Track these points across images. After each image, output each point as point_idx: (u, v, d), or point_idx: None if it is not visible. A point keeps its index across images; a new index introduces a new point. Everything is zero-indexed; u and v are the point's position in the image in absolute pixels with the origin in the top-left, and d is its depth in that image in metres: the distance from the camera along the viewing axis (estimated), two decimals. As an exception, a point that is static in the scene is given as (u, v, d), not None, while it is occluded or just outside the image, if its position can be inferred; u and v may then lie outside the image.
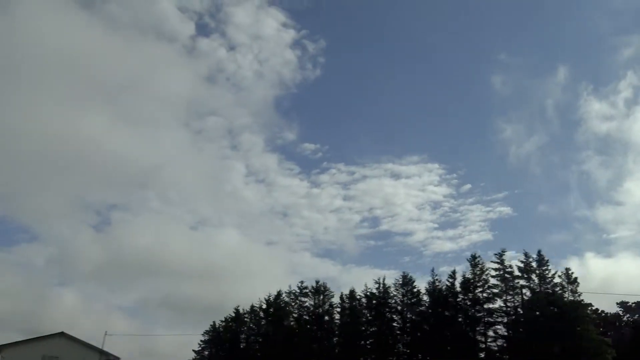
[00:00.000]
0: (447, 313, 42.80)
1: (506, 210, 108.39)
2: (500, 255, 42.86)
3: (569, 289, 39.65)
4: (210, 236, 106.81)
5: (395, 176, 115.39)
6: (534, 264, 41.35)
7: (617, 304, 55.26)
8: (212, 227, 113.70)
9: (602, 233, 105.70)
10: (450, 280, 44.54)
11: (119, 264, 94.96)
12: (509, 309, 41.59)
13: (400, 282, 46.82)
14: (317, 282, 51.38)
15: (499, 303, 42.08)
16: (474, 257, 43.89)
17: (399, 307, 46.27)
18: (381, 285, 47.48)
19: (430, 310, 44.02)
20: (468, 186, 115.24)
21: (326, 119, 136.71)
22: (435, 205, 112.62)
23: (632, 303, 55.12)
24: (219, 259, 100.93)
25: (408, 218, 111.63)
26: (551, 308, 38.65)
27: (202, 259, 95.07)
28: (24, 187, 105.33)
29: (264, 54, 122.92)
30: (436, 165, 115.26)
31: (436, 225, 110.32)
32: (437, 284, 45.15)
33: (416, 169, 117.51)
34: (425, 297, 45.58)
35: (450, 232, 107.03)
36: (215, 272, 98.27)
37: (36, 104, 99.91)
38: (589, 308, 44.45)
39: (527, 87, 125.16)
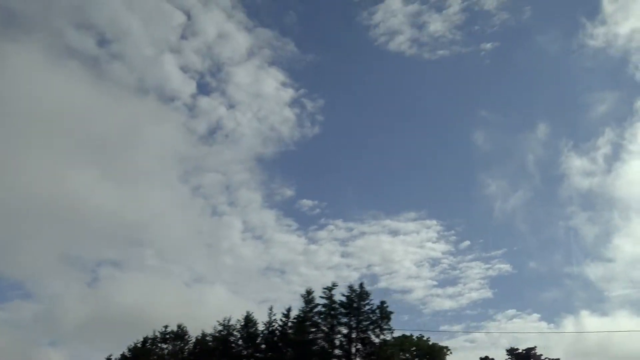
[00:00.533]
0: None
1: (505, 267, 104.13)
2: (329, 290, 41.17)
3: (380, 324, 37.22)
4: (202, 294, 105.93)
5: (393, 233, 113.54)
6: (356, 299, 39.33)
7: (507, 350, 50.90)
8: (206, 284, 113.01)
9: (596, 291, 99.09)
10: (284, 319, 42.77)
11: (108, 320, 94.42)
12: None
13: (243, 324, 45.22)
14: (178, 325, 50.25)
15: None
16: (308, 292, 42.29)
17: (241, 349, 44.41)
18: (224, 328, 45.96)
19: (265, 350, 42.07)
20: (467, 243, 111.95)
21: (324, 176, 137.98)
22: (434, 262, 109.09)
23: (523, 350, 50.70)
24: (207, 317, 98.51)
25: (407, 275, 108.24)
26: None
27: (192, 317, 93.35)
28: (13, 242, 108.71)
29: (263, 112, 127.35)
30: (434, 222, 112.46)
31: (435, 283, 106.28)
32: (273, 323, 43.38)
33: (414, 226, 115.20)
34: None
35: (450, 290, 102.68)
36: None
37: (30, 158, 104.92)
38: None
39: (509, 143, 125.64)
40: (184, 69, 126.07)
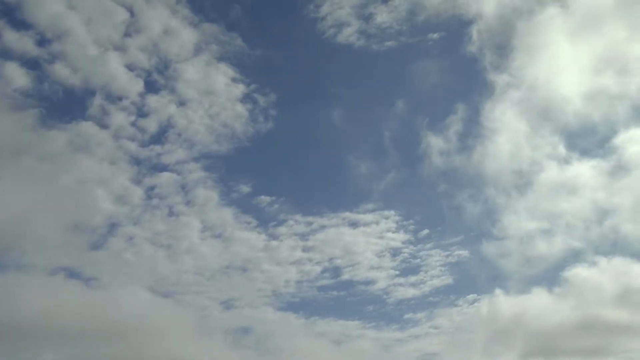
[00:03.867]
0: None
1: (464, 253, 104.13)
2: None
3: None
4: (170, 298, 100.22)
5: (353, 224, 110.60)
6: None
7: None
8: (170, 286, 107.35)
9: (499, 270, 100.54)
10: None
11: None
12: None
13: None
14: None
15: None
16: None
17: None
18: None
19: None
20: (426, 231, 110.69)
21: (280, 171, 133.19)
22: (395, 252, 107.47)
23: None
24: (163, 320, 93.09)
25: (369, 266, 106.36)
26: None
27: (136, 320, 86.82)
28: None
29: (214, 109, 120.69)
30: (392, 212, 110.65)
31: (397, 272, 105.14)
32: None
33: (373, 217, 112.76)
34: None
35: (412, 278, 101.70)
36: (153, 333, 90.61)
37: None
38: None
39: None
40: (130, 67, 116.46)
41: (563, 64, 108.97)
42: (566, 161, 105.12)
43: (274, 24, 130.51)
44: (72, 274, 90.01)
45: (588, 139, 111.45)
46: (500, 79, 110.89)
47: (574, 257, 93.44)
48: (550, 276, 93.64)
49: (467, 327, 60.54)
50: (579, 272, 76.69)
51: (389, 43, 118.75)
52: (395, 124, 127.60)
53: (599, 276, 77.59)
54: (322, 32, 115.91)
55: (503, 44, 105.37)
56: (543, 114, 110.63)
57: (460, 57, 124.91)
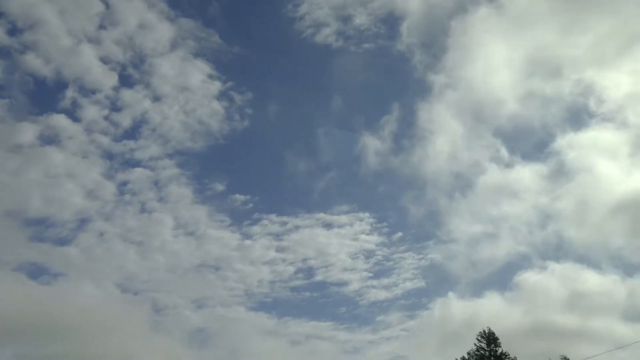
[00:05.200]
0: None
1: (437, 257, 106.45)
2: None
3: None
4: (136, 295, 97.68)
5: (328, 226, 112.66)
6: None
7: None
8: (141, 283, 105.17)
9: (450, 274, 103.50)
10: None
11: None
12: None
13: None
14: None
15: None
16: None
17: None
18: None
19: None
20: (399, 234, 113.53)
21: (256, 170, 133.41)
22: (369, 254, 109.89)
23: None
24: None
25: (342, 268, 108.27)
26: None
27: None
28: None
29: (190, 105, 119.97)
30: (367, 214, 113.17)
31: (370, 274, 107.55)
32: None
33: (347, 219, 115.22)
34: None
35: (385, 281, 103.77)
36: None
37: None
38: None
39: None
40: (105, 60, 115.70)
41: (498, 65, 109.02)
42: (507, 164, 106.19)
43: (252, 22, 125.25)
44: (39, 269, 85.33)
45: (527, 142, 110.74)
46: (436, 79, 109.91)
47: (522, 261, 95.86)
48: (500, 280, 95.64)
49: (430, 330, 61.76)
50: (528, 277, 79.73)
51: (366, 45, 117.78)
52: (366, 121, 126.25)
53: (549, 281, 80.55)
54: (301, 31, 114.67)
55: (436, 42, 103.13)
56: (480, 116, 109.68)
57: (394, 56, 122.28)
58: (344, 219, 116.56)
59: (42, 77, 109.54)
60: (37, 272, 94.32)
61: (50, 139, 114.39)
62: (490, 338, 38.84)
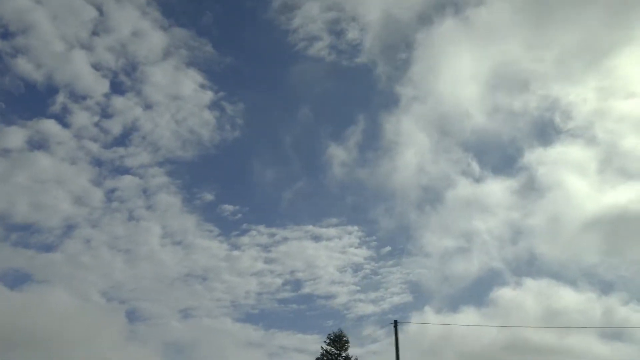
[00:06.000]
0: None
1: (411, 271, 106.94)
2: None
3: None
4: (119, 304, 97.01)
5: (316, 238, 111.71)
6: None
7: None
8: (128, 292, 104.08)
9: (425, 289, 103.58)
10: None
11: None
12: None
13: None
14: None
15: None
16: None
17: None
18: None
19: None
20: (388, 248, 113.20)
21: (245, 181, 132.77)
22: (357, 268, 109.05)
23: None
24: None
25: (330, 281, 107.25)
26: None
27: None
28: None
29: (181, 114, 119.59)
30: (355, 228, 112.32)
31: (358, 288, 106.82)
32: None
33: (336, 232, 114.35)
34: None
35: (372, 295, 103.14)
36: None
37: None
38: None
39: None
40: (96, 67, 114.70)
41: (464, 78, 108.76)
42: (477, 179, 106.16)
43: (245, 33, 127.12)
44: (23, 276, 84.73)
45: (496, 156, 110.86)
46: (404, 91, 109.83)
47: (497, 277, 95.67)
48: (476, 296, 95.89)
49: (408, 345, 61.33)
50: (504, 293, 79.40)
51: (358, 60, 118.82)
52: (356, 134, 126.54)
53: (524, 297, 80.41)
54: (294, 44, 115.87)
55: (401, 54, 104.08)
56: (448, 129, 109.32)
57: (358, 68, 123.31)
58: (332, 231, 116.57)
59: (32, 82, 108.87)
60: (19, 279, 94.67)
61: (39, 144, 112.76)
62: (337, 341, 38.36)
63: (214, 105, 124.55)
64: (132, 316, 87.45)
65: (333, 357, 37.29)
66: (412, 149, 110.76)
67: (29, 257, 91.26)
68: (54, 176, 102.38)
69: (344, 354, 37.78)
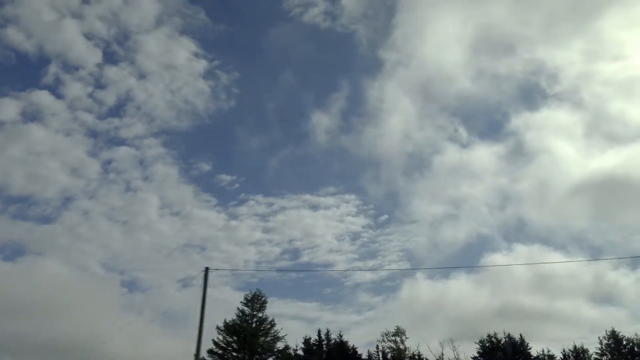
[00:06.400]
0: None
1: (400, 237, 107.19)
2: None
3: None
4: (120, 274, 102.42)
5: (314, 207, 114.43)
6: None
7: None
8: (127, 262, 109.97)
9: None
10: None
11: None
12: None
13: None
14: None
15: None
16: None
17: None
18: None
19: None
20: (385, 217, 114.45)
21: (242, 150, 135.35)
22: (355, 236, 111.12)
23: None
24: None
25: (328, 249, 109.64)
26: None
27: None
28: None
29: (176, 84, 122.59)
30: (353, 197, 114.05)
31: (356, 256, 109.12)
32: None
33: (333, 200, 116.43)
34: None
35: (370, 263, 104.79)
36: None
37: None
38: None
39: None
40: (88, 36, 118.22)
41: (449, 42, 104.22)
42: (464, 145, 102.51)
43: (238, 0, 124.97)
44: (21, 248, 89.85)
45: (483, 122, 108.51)
46: (388, 56, 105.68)
47: (488, 243, 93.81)
48: (467, 262, 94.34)
49: (400, 311, 61.92)
50: (495, 259, 78.80)
51: (353, 26, 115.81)
52: (350, 102, 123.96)
53: (515, 263, 78.28)
54: (288, 10, 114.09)
55: (384, 18, 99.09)
56: (434, 94, 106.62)
57: (340, 33, 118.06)
58: (330, 200, 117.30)
59: (24, 52, 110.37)
60: (18, 251, 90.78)
61: (33, 116, 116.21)
62: (255, 301, 39.14)
63: (208, 74, 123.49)
64: (132, 286, 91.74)
65: (248, 317, 38.82)
66: (398, 115, 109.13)
67: (28, 229, 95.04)
68: (49, 148, 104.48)
69: (260, 314, 39.42)
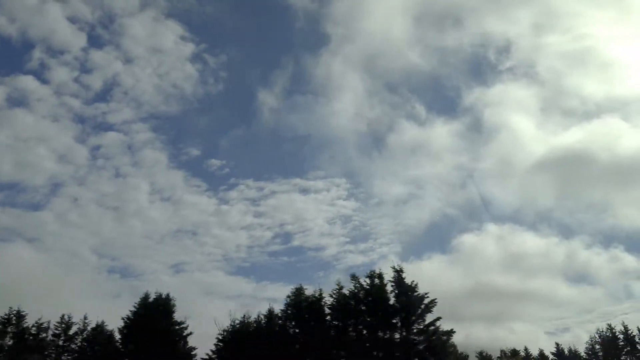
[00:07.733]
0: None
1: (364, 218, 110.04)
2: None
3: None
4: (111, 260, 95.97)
5: (304, 191, 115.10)
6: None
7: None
8: (119, 249, 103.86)
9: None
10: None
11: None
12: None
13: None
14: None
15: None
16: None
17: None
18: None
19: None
20: (376, 200, 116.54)
21: (231, 135, 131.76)
22: (346, 220, 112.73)
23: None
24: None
25: (319, 233, 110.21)
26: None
27: None
28: None
29: (163, 68, 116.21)
30: (343, 180, 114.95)
31: (348, 239, 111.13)
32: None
33: (323, 184, 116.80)
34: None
35: (362, 246, 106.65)
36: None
37: None
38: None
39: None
40: (72, 20, 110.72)
41: (393, 14, 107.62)
42: (421, 122, 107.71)
43: None
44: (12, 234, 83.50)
45: (435, 98, 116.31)
46: (332, 30, 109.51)
47: (456, 223, 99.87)
48: (439, 243, 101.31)
49: None
50: (466, 239, 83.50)
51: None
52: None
53: (487, 243, 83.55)
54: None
55: None
56: (381, 70, 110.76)
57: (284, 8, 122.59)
58: (320, 184, 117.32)
59: (7, 37, 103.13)
60: (7, 237, 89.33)
61: (18, 101, 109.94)
62: None
63: (195, 58, 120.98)
64: (125, 272, 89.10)
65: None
66: (347, 92, 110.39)
67: (17, 216, 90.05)
68: (37, 134, 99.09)
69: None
